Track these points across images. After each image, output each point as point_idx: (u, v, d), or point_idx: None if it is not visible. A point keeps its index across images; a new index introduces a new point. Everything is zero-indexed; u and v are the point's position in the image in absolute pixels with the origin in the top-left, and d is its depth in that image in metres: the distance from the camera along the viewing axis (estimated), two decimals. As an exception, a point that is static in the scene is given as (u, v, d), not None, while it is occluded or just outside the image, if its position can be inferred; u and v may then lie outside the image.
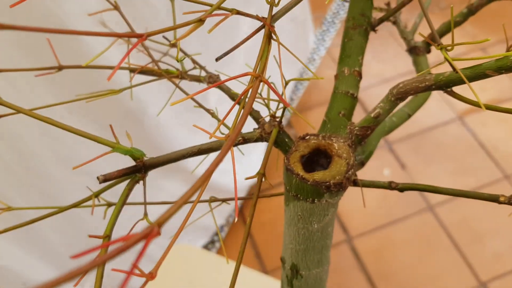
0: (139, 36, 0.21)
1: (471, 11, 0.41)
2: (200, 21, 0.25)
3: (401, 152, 1.58)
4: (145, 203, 0.36)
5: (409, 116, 0.41)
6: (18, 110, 0.33)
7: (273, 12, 0.28)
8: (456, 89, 0.32)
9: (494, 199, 0.32)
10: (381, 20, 0.38)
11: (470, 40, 1.82)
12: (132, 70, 0.40)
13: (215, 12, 0.26)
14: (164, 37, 0.37)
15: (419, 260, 1.37)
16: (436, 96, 1.50)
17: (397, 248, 1.39)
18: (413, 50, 0.45)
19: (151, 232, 0.14)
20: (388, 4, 0.48)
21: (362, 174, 0.35)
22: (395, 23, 0.48)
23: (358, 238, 1.41)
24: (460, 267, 1.33)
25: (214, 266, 0.87)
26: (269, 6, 0.28)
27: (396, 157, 1.57)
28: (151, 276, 0.20)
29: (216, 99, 1.05)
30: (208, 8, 0.27)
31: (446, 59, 0.28)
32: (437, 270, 1.34)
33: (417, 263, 1.36)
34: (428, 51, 0.44)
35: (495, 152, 1.57)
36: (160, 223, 0.15)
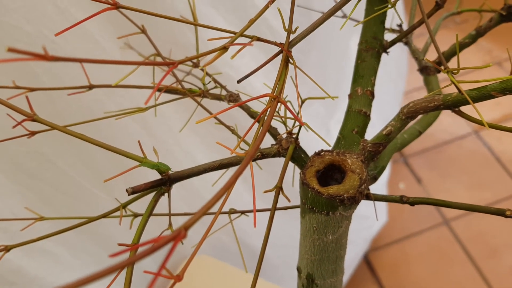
0: (171, 63, 0.24)
1: (480, 33, 0.43)
2: (224, 48, 0.27)
3: (417, 166, 1.59)
4: (169, 214, 0.38)
5: (420, 133, 0.43)
6: (53, 127, 0.36)
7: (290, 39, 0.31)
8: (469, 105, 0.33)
9: (500, 213, 0.34)
10: (393, 43, 0.40)
11: (485, 54, 1.83)
12: (158, 89, 0.43)
13: (237, 40, 0.28)
14: (190, 60, 0.40)
15: (434, 274, 1.37)
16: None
17: (412, 262, 1.39)
18: (424, 70, 0.46)
19: (179, 235, 0.15)
20: (400, 25, 0.50)
21: (376, 188, 0.37)
22: (407, 43, 0.50)
23: (373, 252, 1.41)
24: (476, 281, 1.33)
25: (231, 278, 0.89)
26: (286, 33, 0.31)
27: (412, 171, 1.58)
28: (178, 278, 0.22)
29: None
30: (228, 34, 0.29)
31: (452, 82, 0.30)
32: (453, 285, 1.34)
33: (433, 278, 1.36)
34: (438, 71, 0.46)
35: (511, 166, 1.56)
36: (187, 226, 0.16)
